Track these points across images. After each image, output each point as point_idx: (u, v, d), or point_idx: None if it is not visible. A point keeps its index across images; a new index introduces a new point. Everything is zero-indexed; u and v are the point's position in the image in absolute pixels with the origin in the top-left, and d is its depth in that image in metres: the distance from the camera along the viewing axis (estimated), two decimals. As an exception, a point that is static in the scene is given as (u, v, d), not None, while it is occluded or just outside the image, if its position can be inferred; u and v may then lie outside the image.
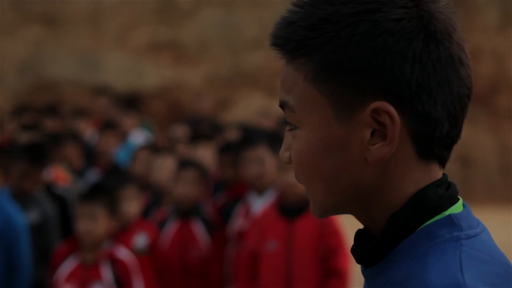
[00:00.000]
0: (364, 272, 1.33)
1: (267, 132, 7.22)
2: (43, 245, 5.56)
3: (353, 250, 1.33)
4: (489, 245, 1.28)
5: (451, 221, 1.27)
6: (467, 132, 15.58)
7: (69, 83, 14.25)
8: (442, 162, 1.32)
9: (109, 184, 5.40)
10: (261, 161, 5.52)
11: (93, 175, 6.96)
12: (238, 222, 5.47)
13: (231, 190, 5.89)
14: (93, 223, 4.78)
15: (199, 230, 5.49)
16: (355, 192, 1.28)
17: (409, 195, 1.28)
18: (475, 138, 14.28)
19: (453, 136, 1.31)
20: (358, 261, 1.32)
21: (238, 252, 5.22)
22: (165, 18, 14.65)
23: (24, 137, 6.69)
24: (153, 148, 6.74)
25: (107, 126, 7.90)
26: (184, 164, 5.70)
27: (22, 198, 5.56)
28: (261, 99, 14.37)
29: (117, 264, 4.81)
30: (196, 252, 5.42)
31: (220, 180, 6.38)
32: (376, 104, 1.24)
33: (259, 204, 5.31)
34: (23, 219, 5.37)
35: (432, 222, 1.27)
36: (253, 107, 13.43)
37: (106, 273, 4.80)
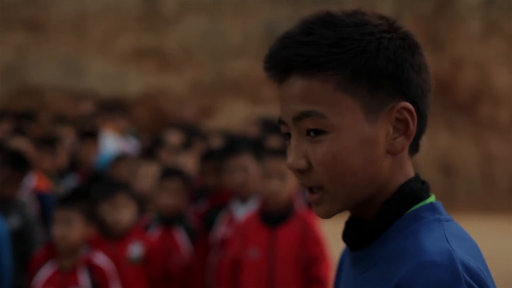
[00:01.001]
0: (350, 256, 1.58)
1: (250, 140, 7.22)
2: (24, 251, 5.53)
3: (346, 235, 1.58)
4: (460, 228, 1.54)
5: (433, 207, 1.55)
6: (449, 141, 15.68)
7: (52, 89, 14.21)
8: (413, 155, 1.60)
9: (92, 191, 5.38)
10: (245, 169, 5.52)
11: (74, 182, 6.94)
12: (221, 230, 5.47)
13: (214, 198, 5.88)
14: (68, 228, 4.76)
15: (181, 238, 5.49)
16: (374, 184, 1.53)
17: (398, 186, 1.54)
18: (458, 147, 14.33)
19: (423, 132, 1.60)
20: (350, 245, 1.56)
21: (220, 259, 5.21)
22: (149, 25, 14.63)
23: (15, 142, 6.65)
24: (144, 155, 6.72)
25: (88, 133, 7.87)
26: (168, 173, 5.69)
27: (4, 204, 5.53)
28: (245, 107, 14.37)
29: (94, 270, 4.79)
30: (178, 259, 5.41)
31: (201, 187, 6.37)
32: (403, 103, 1.52)
33: (242, 212, 5.31)
34: (5, 225, 5.34)
35: (418, 208, 1.54)
36: (236, 115, 13.43)
37: (84, 279, 4.78)
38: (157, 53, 14.59)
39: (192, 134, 9.17)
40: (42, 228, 5.84)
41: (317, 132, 1.51)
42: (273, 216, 4.87)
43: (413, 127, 1.53)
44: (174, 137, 8.76)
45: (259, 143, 6.64)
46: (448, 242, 1.46)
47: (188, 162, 6.99)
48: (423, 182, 1.58)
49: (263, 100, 14.65)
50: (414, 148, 1.58)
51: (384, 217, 1.53)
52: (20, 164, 5.70)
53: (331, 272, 4.89)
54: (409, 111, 1.52)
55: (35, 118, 9.75)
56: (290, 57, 1.52)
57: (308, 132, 1.52)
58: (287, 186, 4.82)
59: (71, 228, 4.76)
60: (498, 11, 14.72)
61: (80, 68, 14.33)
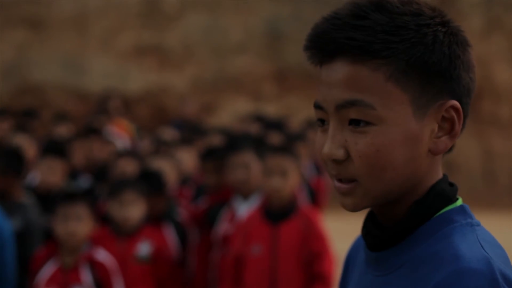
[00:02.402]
0: (368, 256, 1.48)
1: (252, 137, 7.22)
2: (24, 254, 5.50)
3: (370, 233, 1.48)
4: (489, 233, 1.47)
5: (464, 210, 1.48)
6: (451, 137, 15.51)
7: (53, 87, 14.21)
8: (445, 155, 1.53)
9: (99, 188, 5.37)
10: (247, 166, 5.52)
11: (83, 180, 6.92)
12: (223, 227, 5.47)
13: (216, 195, 5.89)
14: (78, 224, 4.76)
15: (170, 234, 5.49)
16: (412, 181, 1.46)
17: (429, 186, 1.47)
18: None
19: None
20: (371, 245, 1.48)
21: (222, 256, 5.22)
22: (150, 22, 14.63)
23: (17, 140, 6.65)
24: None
25: (91, 131, 7.85)
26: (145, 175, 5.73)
27: (5, 205, 5.50)
28: (246, 103, 14.37)
29: (96, 267, 4.79)
30: (167, 256, 5.40)
31: (201, 185, 6.37)
32: (453, 102, 1.45)
33: (244, 209, 5.31)
34: (9, 224, 5.32)
35: (449, 210, 1.47)
36: (238, 112, 13.43)
37: (86, 276, 4.78)
38: (158, 50, 14.59)
39: (193, 131, 9.17)
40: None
41: (361, 122, 1.43)
42: (276, 213, 4.87)
43: (458, 127, 1.46)
44: (169, 135, 8.76)
45: (261, 140, 6.64)
46: (483, 249, 1.39)
47: (185, 158, 7.00)
48: (451, 184, 1.51)
49: (264, 97, 14.65)
50: (449, 148, 1.51)
51: (414, 218, 1.45)
52: (18, 165, 5.68)
53: (334, 268, 4.89)
54: (456, 110, 1.45)
55: (37, 116, 9.74)
56: (341, 39, 1.42)
57: (351, 121, 1.43)
58: (289, 183, 4.83)
59: (81, 224, 4.77)
60: (499, 7, 14.71)
61: (81, 66, 14.32)
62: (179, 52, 14.61)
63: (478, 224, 1.46)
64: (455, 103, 1.45)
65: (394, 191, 1.45)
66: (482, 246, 1.39)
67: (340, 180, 1.45)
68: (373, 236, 1.48)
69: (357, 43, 1.41)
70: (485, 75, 14.52)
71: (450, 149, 1.53)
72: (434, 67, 1.43)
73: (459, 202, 1.49)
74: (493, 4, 14.70)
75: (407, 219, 1.45)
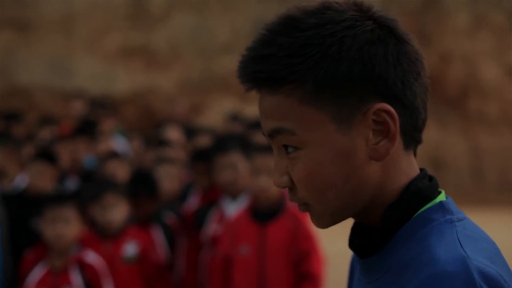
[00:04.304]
0: (360, 263, 1.46)
1: (238, 137, 7.22)
2: None
3: (353, 242, 1.46)
4: (475, 226, 1.43)
5: (443, 206, 1.42)
6: (438, 135, 15.76)
7: (40, 88, 14.18)
8: (415, 148, 1.46)
9: (86, 190, 5.36)
10: (234, 167, 5.53)
11: (71, 182, 6.91)
12: (212, 227, 5.47)
13: (205, 196, 5.89)
14: (65, 227, 4.76)
15: (158, 236, 5.49)
16: (363, 192, 1.41)
17: (402, 187, 1.42)
18: (446, 141, 14.36)
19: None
20: (357, 253, 1.45)
21: (211, 257, 5.21)
22: (137, 23, 14.61)
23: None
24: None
25: (79, 131, 7.81)
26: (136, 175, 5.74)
27: None
28: (234, 104, 14.37)
29: (86, 269, 4.79)
30: (155, 258, 5.40)
31: (190, 183, 6.36)
32: (377, 105, 1.38)
33: (233, 209, 5.31)
34: None
35: (426, 209, 1.42)
36: (226, 112, 13.43)
37: (76, 278, 4.77)
38: (145, 52, 14.57)
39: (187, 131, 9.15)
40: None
41: (289, 148, 1.41)
42: (264, 213, 4.87)
43: (394, 127, 1.39)
44: (172, 133, 8.73)
45: (247, 140, 6.64)
46: (462, 247, 1.34)
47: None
48: (431, 178, 1.46)
49: (252, 97, 14.62)
50: (411, 142, 1.44)
51: (390, 222, 1.41)
52: None
53: (323, 267, 4.90)
54: (386, 111, 1.38)
55: (21, 119, 9.70)
56: (251, 75, 1.42)
57: (285, 148, 1.42)
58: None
59: (69, 226, 4.77)
60: (486, 5, 14.75)
61: (68, 68, 14.30)
62: (166, 53, 14.60)
63: (460, 219, 1.41)
64: (381, 105, 1.38)
65: (350, 205, 1.42)
66: (461, 244, 1.35)
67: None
68: (355, 245, 1.46)
69: (264, 75, 1.39)
70: (471, 72, 14.56)
71: (416, 144, 1.45)
72: (345, 76, 1.37)
73: (440, 197, 1.44)
74: (479, 1, 14.73)
75: (383, 224, 1.42)
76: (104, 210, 5.13)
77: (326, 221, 1.44)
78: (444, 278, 1.30)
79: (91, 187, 5.66)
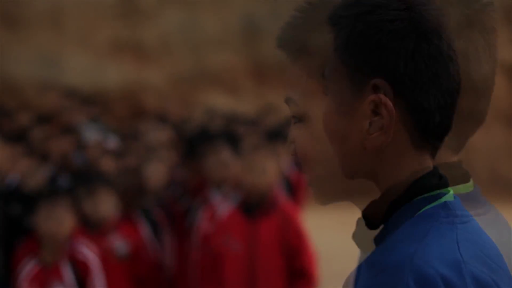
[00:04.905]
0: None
1: (230, 134, 7.22)
2: None
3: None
4: (478, 230, 1.40)
5: (447, 207, 1.39)
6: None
7: (31, 84, 14.15)
8: (434, 152, 1.43)
9: (77, 185, 5.36)
10: (225, 164, 5.54)
11: (64, 179, 6.89)
12: (202, 225, 5.47)
13: (195, 193, 5.88)
14: (60, 222, 4.74)
15: (145, 231, 5.49)
16: (359, 159, 1.40)
17: (406, 183, 1.40)
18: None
19: (444, 127, 1.41)
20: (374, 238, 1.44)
21: (202, 254, 5.20)
22: (127, 19, 14.59)
23: None
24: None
25: (63, 128, 7.80)
26: (122, 155, 5.77)
27: None
28: (225, 99, 14.36)
29: (77, 264, 4.78)
30: (145, 255, 5.41)
31: (180, 180, 6.35)
32: (373, 96, 1.37)
33: (224, 206, 5.30)
34: None
35: (430, 208, 1.39)
36: (217, 108, 13.42)
37: (67, 273, 4.76)
38: (135, 47, 14.55)
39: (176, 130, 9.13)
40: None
41: (294, 119, 1.46)
42: (254, 209, 4.87)
43: (388, 121, 1.37)
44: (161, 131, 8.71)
45: (236, 136, 6.65)
46: (459, 250, 1.32)
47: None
48: (441, 177, 1.42)
49: (243, 93, 14.65)
50: (424, 144, 1.40)
51: (390, 219, 1.40)
52: None
53: (315, 264, 4.90)
54: (384, 104, 1.37)
55: (10, 115, 9.67)
56: (280, 39, 1.48)
57: (293, 118, 1.47)
58: (267, 178, 4.83)
59: (63, 221, 4.76)
60: (477, 3, 14.77)
61: (58, 63, 14.27)
62: (156, 48, 14.59)
63: (464, 222, 1.38)
64: (379, 97, 1.37)
65: (344, 188, 1.43)
66: (458, 247, 1.33)
67: None
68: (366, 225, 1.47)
69: (287, 42, 1.45)
70: (463, 70, 14.57)
71: (434, 147, 1.42)
72: (351, 61, 1.38)
73: (447, 197, 1.40)
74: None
75: (383, 220, 1.41)
76: (95, 205, 5.14)
77: (321, 197, 1.46)
78: (375, 267, 1.29)
79: (82, 182, 5.66)
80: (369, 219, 1.43)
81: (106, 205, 5.17)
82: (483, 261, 1.35)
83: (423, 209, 1.38)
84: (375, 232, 1.43)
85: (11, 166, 5.87)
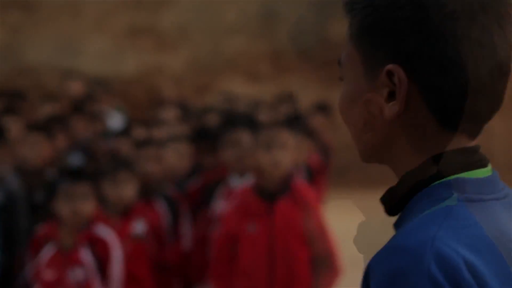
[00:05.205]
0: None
1: (245, 115, 7.23)
2: (11, 225, 5.50)
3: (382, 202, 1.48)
4: (498, 214, 1.38)
5: (456, 183, 1.39)
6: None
7: (48, 68, 14.20)
8: (473, 134, 1.44)
9: (100, 171, 5.40)
10: (240, 144, 5.56)
11: (77, 159, 6.95)
12: (219, 205, 5.49)
13: (210, 173, 5.90)
14: (83, 203, 4.76)
15: (162, 210, 5.52)
16: (378, 145, 1.45)
17: (424, 168, 1.41)
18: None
19: (477, 111, 1.41)
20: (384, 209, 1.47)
21: (217, 234, 5.20)
22: (144, 3, 14.60)
23: (5, 121, 6.63)
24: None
25: (76, 110, 7.85)
26: (143, 142, 5.75)
27: None
28: (242, 84, 14.36)
29: (96, 244, 4.79)
30: (161, 233, 5.44)
31: (195, 164, 6.37)
32: (389, 66, 1.39)
33: (241, 189, 5.30)
34: None
35: (438, 183, 1.40)
36: (234, 92, 13.42)
37: (86, 257, 4.77)
38: (152, 31, 14.57)
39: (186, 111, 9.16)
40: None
41: (341, 80, 1.50)
42: (270, 190, 4.86)
43: (399, 93, 1.38)
44: (170, 114, 8.75)
45: (253, 118, 6.66)
46: (440, 227, 1.31)
47: None
48: (460, 162, 1.41)
49: (260, 77, 14.64)
50: (452, 124, 1.40)
51: (401, 190, 1.42)
52: None
53: (336, 248, 4.89)
54: (398, 76, 1.39)
55: (25, 98, 9.73)
56: (343, 2, 1.50)
57: None
58: (288, 157, 4.83)
59: (85, 202, 4.77)
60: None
61: (75, 47, 14.30)
62: (173, 33, 14.59)
63: (471, 200, 1.37)
64: (394, 67, 1.39)
65: (369, 151, 1.46)
66: (440, 225, 1.31)
67: None
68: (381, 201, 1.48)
69: (344, 3, 1.47)
70: (477, 55, 14.51)
71: (453, 126, 1.41)
72: (377, 29, 1.41)
73: (465, 182, 1.39)
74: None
75: (396, 191, 1.43)
76: (116, 186, 5.17)
77: (360, 154, 1.49)
78: (396, 251, 1.29)
79: (103, 163, 5.70)
80: (387, 205, 1.44)
81: (127, 189, 5.22)
82: (466, 242, 1.31)
83: (440, 193, 1.37)
84: (375, 237, 1.43)
85: (35, 153, 5.91)
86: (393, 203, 1.43)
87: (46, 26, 14.33)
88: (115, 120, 9.37)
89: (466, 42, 1.39)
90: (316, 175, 7.51)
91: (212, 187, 5.73)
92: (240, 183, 5.42)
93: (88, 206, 4.78)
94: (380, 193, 1.49)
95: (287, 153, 4.83)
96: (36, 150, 5.89)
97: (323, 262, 4.82)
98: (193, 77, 14.42)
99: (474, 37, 1.39)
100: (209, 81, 14.57)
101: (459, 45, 1.38)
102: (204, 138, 6.04)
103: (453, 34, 1.38)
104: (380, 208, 1.51)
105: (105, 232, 4.87)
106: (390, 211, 1.44)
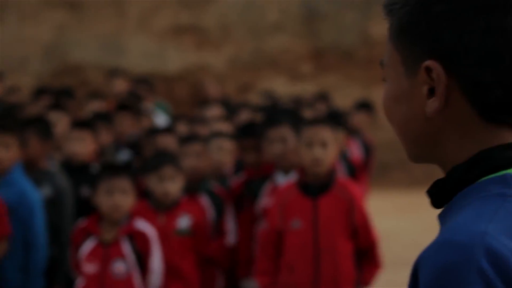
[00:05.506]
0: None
1: (289, 111, 7.23)
2: (58, 219, 5.58)
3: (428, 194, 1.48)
4: None
5: (505, 179, 1.37)
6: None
7: (92, 67, 14.32)
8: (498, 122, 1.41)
9: (146, 166, 5.42)
10: (284, 140, 5.55)
11: (123, 155, 7.01)
12: (264, 201, 5.50)
13: (256, 170, 5.89)
14: (124, 197, 4.81)
15: (207, 205, 5.53)
16: (423, 143, 1.45)
17: (472, 153, 1.40)
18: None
19: (508, 103, 1.40)
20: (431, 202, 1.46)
21: (261, 230, 5.22)
22: (188, 2, 14.67)
23: (52, 117, 6.72)
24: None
25: (122, 107, 7.89)
26: (187, 138, 5.80)
27: (34, 174, 5.59)
28: (284, 83, 14.38)
29: (136, 237, 4.82)
30: (206, 228, 5.45)
31: (238, 162, 6.40)
32: (427, 62, 1.40)
33: (285, 185, 5.32)
34: (38, 194, 5.36)
35: (486, 179, 1.38)
36: (275, 91, 13.45)
37: (127, 249, 4.82)
38: (195, 30, 14.63)
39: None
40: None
41: (384, 80, 1.51)
42: (314, 186, 4.87)
43: (439, 88, 1.39)
44: (213, 112, 8.78)
45: (297, 114, 6.65)
46: (490, 222, 1.29)
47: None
48: (509, 156, 1.39)
49: (301, 76, 14.64)
50: (491, 116, 1.40)
51: (448, 184, 1.41)
52: (46, 133, 5.79)
53: (378, 243, 4.90)
54: (436, 71, 1.40)
55: (72, 95, 9.81)
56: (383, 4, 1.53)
57: None
58: (329, 154, 4.83)
59: (125, 196, 4.83)
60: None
61: (119, 46, 14.41)
62: (216, 31, 14.65)
63: None
64: (431, 63, 1.40)
65: (414, 149, 1.47)
66: (491, 219, 1.30)
67: None
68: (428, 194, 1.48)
69: (385, 4, 1.49)
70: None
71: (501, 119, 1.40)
72: (414, 28, 1.42)
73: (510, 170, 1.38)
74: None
75: (442, 185, 1.42)
76: (162, 182, 5.19)
77: (407, 154, 1.50)
78: (446, 246, 1.28)
79: (148, 158, 5.74)
80: (433, 197, 1.44)
81: (172, 185, 5.21)
82: None
83: (489, 189, 1.36)
84: (415, 236, 1.42)
85: (81, 149, 5.99)
86: (439, 196, 1.42)
87: (91, 25, 14.46)
88: (159, 117, 9.45)
89: (503, 33, 1.38)
90: (359, 172, 7.51)
91: (256, 184, 5.74)
92: (284, 180, 5.42)
93: (127, 200, 4.80)
94: (422, 193, 1.51)
95: (329, 151, 4.84)
96: (82, 146, 5.96)
97: (366, 255, 4.84)
98: (235, 75, 14.47)
99: (510, 28, 1.38)
100: (251, 80, 14.61)
101: (495, 37, 1.37)
102: (248, 135, 6.02)
103: (489, 26, 1.37)
104: (420, 209, 1.53)
105: (145, 226, 4.91)
106: (436, 204, 1.44)
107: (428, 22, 1.40)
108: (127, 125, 7.42)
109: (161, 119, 9.32)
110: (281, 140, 5.56)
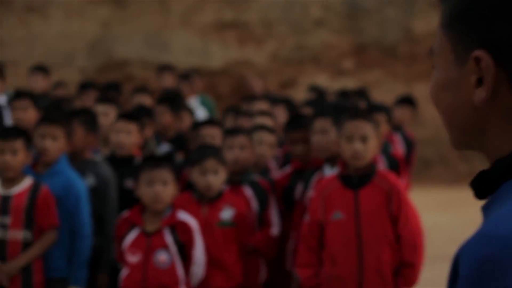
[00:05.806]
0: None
1: (332, 105, 7.23)
2: (102, 208, 5.66)
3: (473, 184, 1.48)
4: None
5: None
6: None
7: (136, 62, 14.43)
8: None
9: (190, 159, 5.47)
10: (325, 132, 5.59)
11: (167, 147, 7.07)
12: (308, 193, 5.52)
13: (302, 163, 5.90)
14: (163, 187, 4.87)
15: (250, 196, 5.56)
16: (469, 131, 1.46)
17: None
18: None
19: None
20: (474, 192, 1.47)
21: (304, 222, 5.25)
22: (231, -1, 14.72)
23: (100, 108, 6.81)
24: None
25: (163, 99, 7.93)
26: (232, 131, 5.85)
27: (79, 164, 5.68)
28: (326, 79, 14.39)
29: (178, 228, 4.88)
30: (249, 219, 5.49)
31: (286, 155, 6.42)
32: (476, 52, 1.41)
33: (328, 177, 5.33)
34: (83, 184, 5.44)
35: None
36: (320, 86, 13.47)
37: (169, 239, 4.87)
38: (238, 26, 14.69)
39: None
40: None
41: (433, 68, 1.51)
42: (355, 178, 4.91)
43: (488, 80, 1.39)
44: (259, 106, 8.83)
45: (339, 107, 6.66)
46: None
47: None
48: None
49: (343, 72, 14.64)
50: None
51: (492, 175, 1.41)
52: (91, 124, 5.88)
53: (422, 234, 4.89)
54: (485, 60, 1.40)
55: (119, 89, 9.90)
56: None
57: None
58: (370, 148, 4.86)
59: (166, 187, 4.88)
60: None
61: (163, 42, 14.51)
62: (259, 27, 14.69)
63: None
64: (481, 53, 1.40)
65: (459, 137, 1.47)
66: None
67: None
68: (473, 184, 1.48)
69: None
70: None
71: None
72: (467, 16, 1.42)
73: None
74: None
75: (487, 176, 1.43)
76: (204, 175, 5.24)
77: (450, 141, 1.51)
78: (487, 238, 1.28)
79: (191, 151, 5.78)
80: (477, 188, 1.44)
81: (216, 177, 5.25)
82: None
83: None
84: (456, 231, 1.42)
85: (126, 141, 6.06)
86: (483, 187, 1.42)
87: (135, 21, 14.58)
88: (200, 112, 9.51)
89: None
90: (400, 167, 7.52)
91: (302, 176, 5.77)
92: (330, 172, 5.44)
93: (168, 191, 4.86)
94: (463, 189, 1.52)
95: (369, 145, 4.87)
96: (128, 138, 6.04)
97: (407, 245, 4.84)
98: (278, 71, 14.51)
99: None
100: (293, 75, 14.64)
101: None
102: (296, 128, 6.04)
103: None
104: (462, 205, 1.54)
105: (188, 218, 4.97)
106: (479, 195, 1.44)
107: (481, 12, 1.39)
108: (166, 119, 7.47)
109: (201, 114, 9.37)
110: (325, 134, 5.59)
